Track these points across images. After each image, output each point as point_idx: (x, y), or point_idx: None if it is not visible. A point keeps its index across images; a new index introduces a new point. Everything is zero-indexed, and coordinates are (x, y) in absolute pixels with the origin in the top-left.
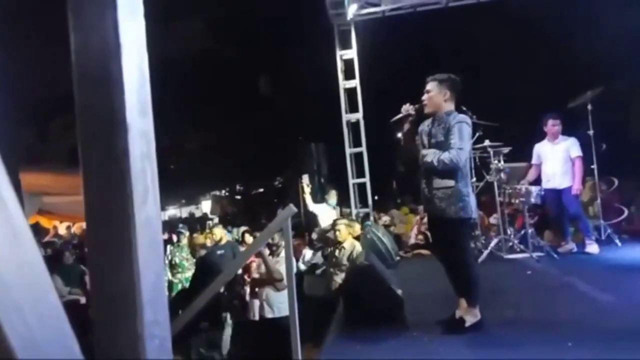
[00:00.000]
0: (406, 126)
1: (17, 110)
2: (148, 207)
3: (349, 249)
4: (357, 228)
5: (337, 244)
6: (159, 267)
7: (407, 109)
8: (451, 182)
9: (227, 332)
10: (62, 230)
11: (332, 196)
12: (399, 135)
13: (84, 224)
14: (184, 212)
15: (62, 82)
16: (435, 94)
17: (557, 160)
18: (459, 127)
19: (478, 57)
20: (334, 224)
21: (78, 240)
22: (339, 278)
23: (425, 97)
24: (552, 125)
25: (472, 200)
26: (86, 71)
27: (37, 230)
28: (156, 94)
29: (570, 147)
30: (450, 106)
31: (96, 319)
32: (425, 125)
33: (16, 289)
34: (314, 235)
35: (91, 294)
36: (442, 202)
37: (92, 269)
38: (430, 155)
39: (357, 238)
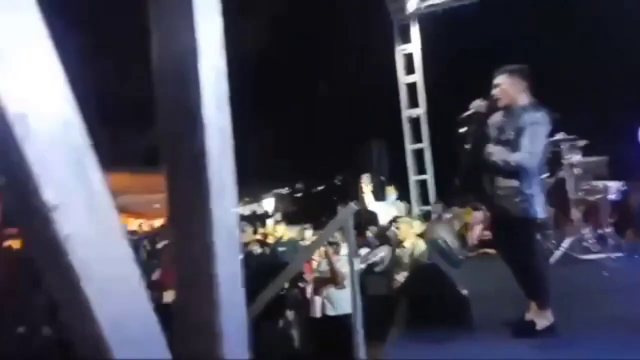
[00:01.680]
0: (475, 124)
1: (96, 110)
2: (225, 203)
3: (409, 247)
4: (418, 226)
5: (398, 242)
6: (235, 260)
7: (477, 105)
8: (515, 182)
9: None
10: (134, 227)
11: (391, 192)
12: (465, 132)
13: (153, 222)
14: (247, 210)
15: (138, 82)
16: (508, 85)
17: None
18: (533, 129)
19: (547, 47)
20: (393, 222)
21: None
22: (400, 277)
23: (496, 90)
24: None
25: (539, 199)
26: (165, 70)
27: None
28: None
29: None
30: (525, 98)
31: (177, 307)
32: (496, 119)
33: (110, 286)
34: (369, 234)
35: (176, 283)
36: (505, 202)
37: (174, 262)
38: (497, 154)
39: (420, 236)
